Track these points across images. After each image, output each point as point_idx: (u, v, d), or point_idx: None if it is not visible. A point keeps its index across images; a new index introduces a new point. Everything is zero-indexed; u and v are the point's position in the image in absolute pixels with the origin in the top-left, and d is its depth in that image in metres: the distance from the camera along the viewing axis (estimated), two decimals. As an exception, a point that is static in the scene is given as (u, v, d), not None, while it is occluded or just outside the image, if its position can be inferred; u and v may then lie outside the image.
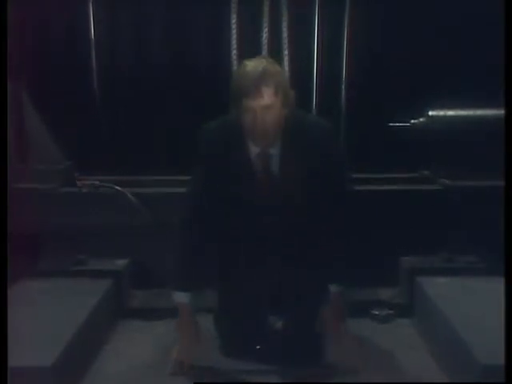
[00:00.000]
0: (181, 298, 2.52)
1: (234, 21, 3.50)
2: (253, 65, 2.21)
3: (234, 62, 3.50)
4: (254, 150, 2.38)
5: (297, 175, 2.37)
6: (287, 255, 2.49)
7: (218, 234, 2.52)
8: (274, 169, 2.39)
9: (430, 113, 3.41)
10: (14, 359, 2.10)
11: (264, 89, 2.16)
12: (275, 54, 3.39)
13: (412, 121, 3.45)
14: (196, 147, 2.48)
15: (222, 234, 2.53)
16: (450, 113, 3.41)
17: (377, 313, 3.20)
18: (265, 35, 3.50)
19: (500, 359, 1.92)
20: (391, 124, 3.45)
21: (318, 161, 2.34)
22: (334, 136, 2.48)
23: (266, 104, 2.17)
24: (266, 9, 3.50)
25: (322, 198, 2.38)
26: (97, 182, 3.43)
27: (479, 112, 3.38)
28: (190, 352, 2.56)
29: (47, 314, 2.76)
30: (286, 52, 3.52)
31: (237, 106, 2.23)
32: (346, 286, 2.52)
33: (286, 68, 3.48)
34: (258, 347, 2.66)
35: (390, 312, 3.20)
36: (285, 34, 3.51)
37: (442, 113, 3.41)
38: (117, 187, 3.38)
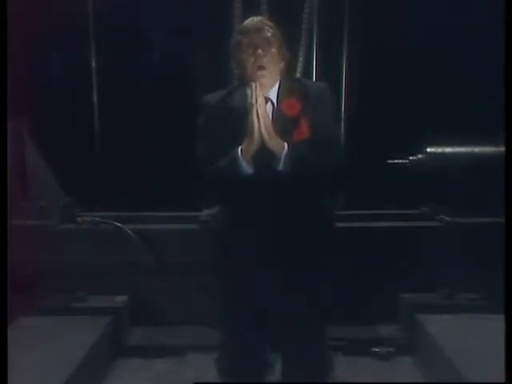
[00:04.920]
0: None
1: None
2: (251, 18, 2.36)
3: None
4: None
5: (290, 122, 2.30)
6: (288, 286, 2.44)
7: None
8: (269, 111, 2.33)
9: (428, 149, 3.44)
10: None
11: (264, 26, 2.28)
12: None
13: (410, 157, 3.47)
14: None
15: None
16: (448, 150, 3.44)
17: (377, 350, 3.18)
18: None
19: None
20: (390, 161, 3.47)
21: (313, 110, 2.30)
22: (330, 92, 2.46)
23: (266, 36, 2.27)
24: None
25: (311, 149, 2.32)
26: (97, 219, 3.44)
27: (477, 149, 3.40)
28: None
29: (46, 351, 2.74)
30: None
31: (237, 46, 2.30)
32: None
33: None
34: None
35: (391, 349, 3.19)
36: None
37: (440, 150, 3.44)
38: (117, 223, 3.39)
